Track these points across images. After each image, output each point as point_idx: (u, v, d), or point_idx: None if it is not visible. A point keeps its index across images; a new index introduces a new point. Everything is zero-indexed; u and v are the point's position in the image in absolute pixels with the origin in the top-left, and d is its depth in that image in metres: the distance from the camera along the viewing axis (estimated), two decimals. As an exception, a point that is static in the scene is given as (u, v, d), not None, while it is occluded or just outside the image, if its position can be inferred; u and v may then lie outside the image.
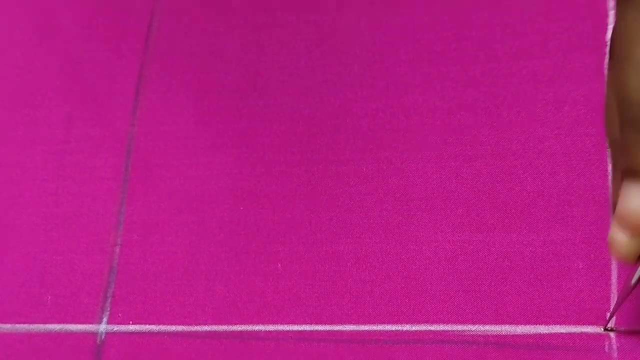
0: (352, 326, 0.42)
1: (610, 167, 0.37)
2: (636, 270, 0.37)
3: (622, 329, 0.40)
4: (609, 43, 0.37)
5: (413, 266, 0.43)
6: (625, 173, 0.34)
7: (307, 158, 0.46)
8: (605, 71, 0.38)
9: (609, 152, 0.38)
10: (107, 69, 0.50)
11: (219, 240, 0.45)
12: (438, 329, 0.41)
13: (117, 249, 0.46)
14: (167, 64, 0.49)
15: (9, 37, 0.52)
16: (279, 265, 0.44)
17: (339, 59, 0.48)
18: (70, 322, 0.44)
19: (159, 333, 0.43)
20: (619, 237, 0.36)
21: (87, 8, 0.51)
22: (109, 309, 0.44)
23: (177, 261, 0.45)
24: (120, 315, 0.44)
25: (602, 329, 0.40)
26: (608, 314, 0.40)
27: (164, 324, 0.44)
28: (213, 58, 0.49)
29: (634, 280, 0.37)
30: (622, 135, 0.34)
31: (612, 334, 0.40)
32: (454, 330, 0.41)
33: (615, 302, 0.40)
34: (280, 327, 0.43)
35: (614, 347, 0.39)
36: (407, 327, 0.42)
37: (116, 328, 0.44)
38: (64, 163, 0.48)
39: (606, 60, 0.38)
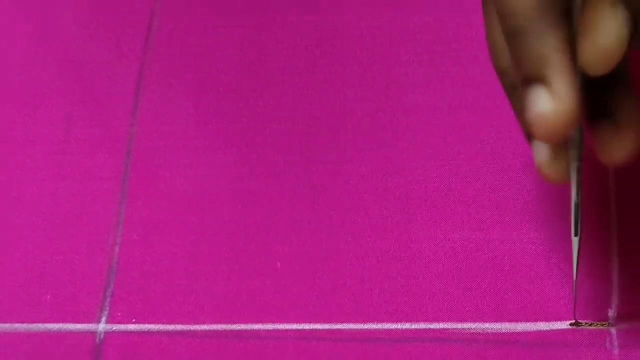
0: (351, 325, 0.42)
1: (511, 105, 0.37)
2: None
3: (623, 325, 0.40)
4: None
5: (413, 264, 0.43)
6: (525, 82, 0.34)
7: (307, 158, 0.46)
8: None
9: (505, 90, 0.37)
10: (107, 69, 0.50)
11: (218, 239, 0.45)
12: (438, 327, 0.41)
13: (117, 249, 0.45)
14: (167, 64, 0.49)
15: (8, 37, 0.52)
16: (279, 264, 0.44)
17: (339, 59, 0.48)
18: (69, 322, 0.44)
19: (158, 332, 0.43)
20: (541, 154, 0.36)
21: (87, 8, 0.52)
22: (108, 308, 0.44)
23: (176, 261, 0.45)
24: (119, 314, 0.44)
25: (569, 324, 0.40)
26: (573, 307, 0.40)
27: (163, 323, 0.44)
28: (213, 58, 0.49)
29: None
30: (512, 49, 0.34)
31: (613, 330, 0.40)
32: (453, 329, 0.41)
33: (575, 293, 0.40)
34: (280, 326, 0.43)
35: (615, 343, 0.39)
36: (406, 326, 0.42)
37: (115, 327, 0.44)
38: (64, 163, 0.48)
39: None
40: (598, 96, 0.35)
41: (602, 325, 0.40)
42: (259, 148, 0.47)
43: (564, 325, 0.40)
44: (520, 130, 0.44)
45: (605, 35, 0.32)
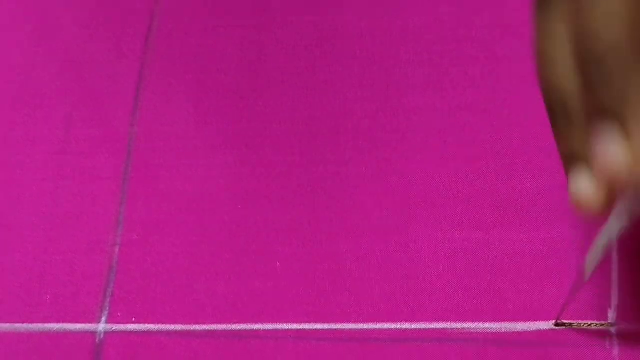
0: (351, 325, 0.42)
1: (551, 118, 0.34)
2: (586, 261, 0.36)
3: (623, 325, 0.40)
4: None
5: (412, 264, 0.43)
6: (596, 114, 0.31)
7: (307, 158, 0.46)
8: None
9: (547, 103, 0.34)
10: (107, 69, 0.50)
11: (218, 240, 0.45)
12: (438, 327, 0.41)
13: (117, 249, 0.45)
14: (167, 64, 0.49)
15: (8, 37, 0.52)
16: (278, 264, 0.44)
17: (339, 59, 0.48)
18: (70, 322, 0.44)
19: (158, 332, 0.43)
20: (585, 185, 0.32)
21: (87, 8, 0.52)
22: (108, 308, 0.44)
23: (176, 261, 0.45)
24: (119, 314, 0.44)
25: (553, 324, 0.40)
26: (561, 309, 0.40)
27: (163, 323, 0.44)
28: (213, 58, 0.49)
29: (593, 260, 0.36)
30: (584, 74, 0.31)
31: (612, 330, 0.40)
32: (453, 328, 0.41)
33: (569, 294, 0.39)
34: (280, 326, 0.43)
35: (615, 343, 0.39)
36: (406, 326, 0.42)
37: (115, 327, 0.44)
38: (64, 163, 0.48)
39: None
40: None
41: (601, 325, 0.40)
42: (259, 148, 0.47)
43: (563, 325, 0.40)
44: (519, 129, 0.44)
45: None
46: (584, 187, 0.32)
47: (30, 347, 0.44)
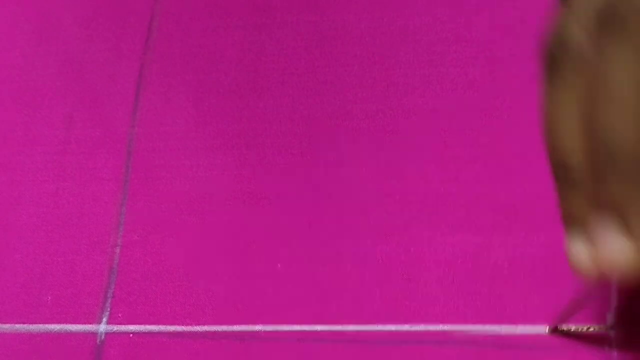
0: (352, 326, 0.42)
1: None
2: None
3: (622, 329, 0.40)
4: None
5: (413, 267, 0.43)
6: (605, 206, 0.31)
7: (307, 159, 0.46)
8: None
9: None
10: (107, 70, 0.50)
11: (219, 241, 0.45)
12: (437, 329, 0.41)
13: (117, 250, 0.46)
14: (167, 64, 0.49)
15: (8, 38, 0.51)
16: (279, 265, 0.44)
17: (338, 60, 0.48)
18: (70, 323, 0.44)
19: (159, 333, 0.44)
20: (581, 249, 0.33)
21: (87, 9, 0.51)
22: (109, 309, 0.44)
23: (177, 262, 0.45)
24: (120, 315, 0.44)
25: (551, 329, 0.40)
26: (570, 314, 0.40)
27: (164, 324, 0.44)
28: (213, 59, 0.49)
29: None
30: (592, 163, 0.31)
31: (611, 333, 0.40)
32: (453, 331, 0.41)
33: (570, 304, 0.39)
34: (280, 328, 0.43)
35: (614, 347, 0.39)
36: (406, 328, 0.42)
37: (116, 328, 0.44)
38: (64, 164, 0.48)
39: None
40: None
41: (601, 329, 0.40)
42: (259, 149, 0.47)
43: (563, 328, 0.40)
44: (519, 131, 0.44)
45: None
46: (581, 251, 0.33)
47: (31, 348, 0.44)
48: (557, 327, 0.40)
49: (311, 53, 0.48)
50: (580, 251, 0.33)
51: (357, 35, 0.48)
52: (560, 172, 0.33)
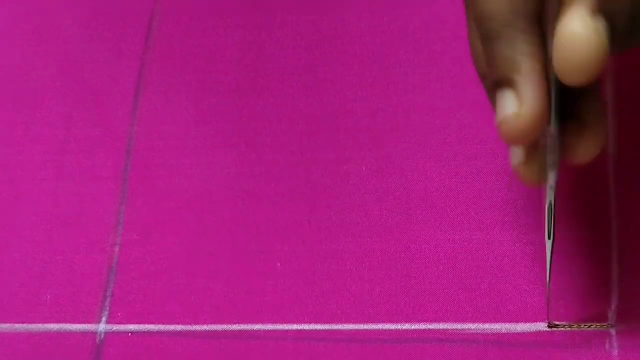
0: (351, 325, 0.42)
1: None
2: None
3: (623, 327, 0.40)
4: None
5: (412, 265, 0.43)
6: (495, 85, 0.35)
7: (307, 157, 0.46)
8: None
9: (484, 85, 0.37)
10: (107, 69, 0.50)
11: (218, 239, 0.45)
12: (438, 327, 0.41)
13: (117, 249, 0.46)
14: (167, 64, 0.49)
15: (8, 37, 0.52)
16: (278, 264, 0.44)
17: (338, 59, 0.48)
18: (70, 322, 0.44)
19: (158, 332, 0.43)
20: (516, 157, 0.36)
21: (86, 8, 0.52)
22: (108, 308, 0.44)
23: (176, 261, 0.45)
24: (119, 314, 0.44)
25: (547, 326, 0.40)
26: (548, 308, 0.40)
27: (163, 323, 0.44)
28: (212, 58, 0.49)
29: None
30: (485, 53, 0.35)
31: (612, 331, 0.40)
32: (453, 329, 0.41)
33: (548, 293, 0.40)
34: (280, 327, 0.43)
35: (615, 344, 0.39)
36: (406, 326, 0.42)
37: (115, 327, 0.44)
38: (64, 163, 0.48)
39: None
40: (566, 98, 0.35)
41: (601, 326, 0.40)
42: (258, 148, 0.47)
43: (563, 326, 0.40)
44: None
45: (584, 49, 0.32)
46: (516, 157, 0.36)
47: (30, 347, 0.44)
48: (560, 322, 0.40)
49: (311, 52, 0.48)
50: (509, 108, 0.34)
51: (357, 35, 0.48)
52: (486, 86, 0.37)
